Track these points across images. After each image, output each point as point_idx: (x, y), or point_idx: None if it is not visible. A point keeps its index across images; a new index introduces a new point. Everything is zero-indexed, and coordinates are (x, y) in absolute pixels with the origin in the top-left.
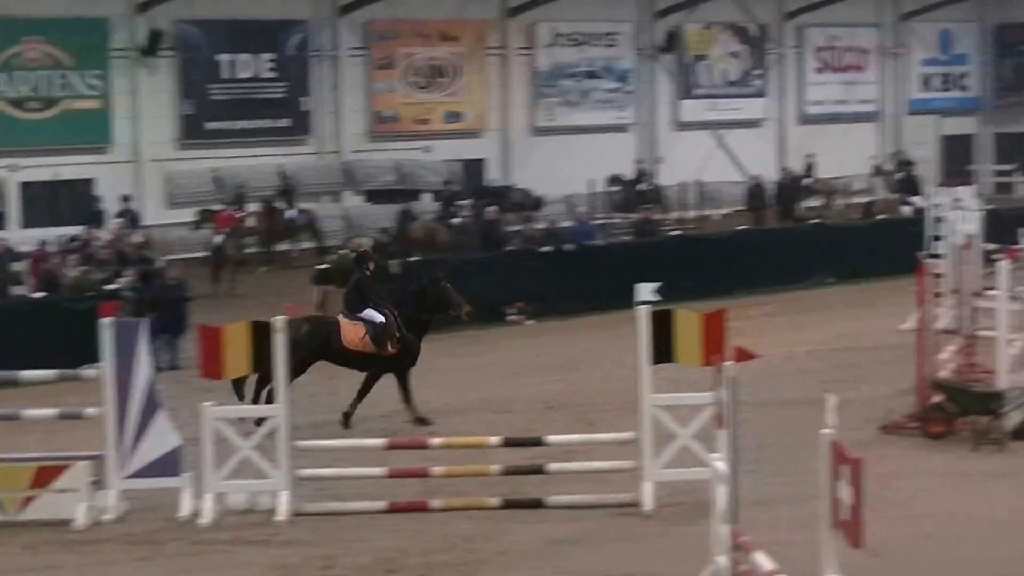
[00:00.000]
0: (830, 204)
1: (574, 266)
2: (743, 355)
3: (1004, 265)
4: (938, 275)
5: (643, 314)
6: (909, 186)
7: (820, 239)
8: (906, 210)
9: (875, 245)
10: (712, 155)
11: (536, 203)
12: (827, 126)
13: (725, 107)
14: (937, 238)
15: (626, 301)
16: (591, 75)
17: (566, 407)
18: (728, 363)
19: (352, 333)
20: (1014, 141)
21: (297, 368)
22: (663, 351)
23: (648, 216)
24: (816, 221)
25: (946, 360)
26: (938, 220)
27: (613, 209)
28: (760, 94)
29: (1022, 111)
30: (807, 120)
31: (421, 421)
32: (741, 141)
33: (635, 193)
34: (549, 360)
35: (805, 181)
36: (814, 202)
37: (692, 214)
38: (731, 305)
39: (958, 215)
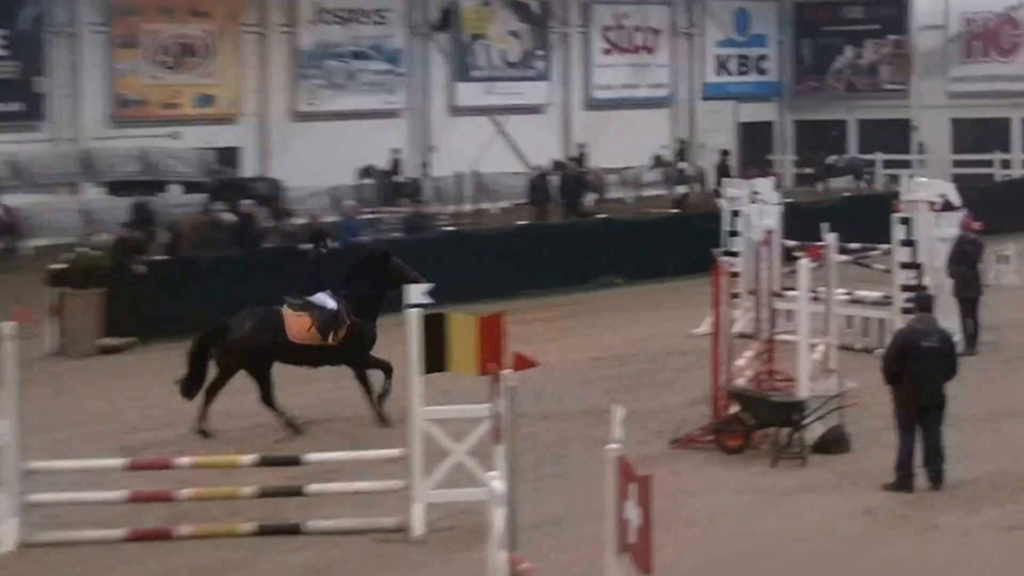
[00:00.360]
0: (603, 198)
1: (337, 266)
2: (523, 363)
3: (805, 263)
4: (734, 274)
5: (413, 318)
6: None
7: (608, 236)
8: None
9: (668, 242)
10: (491, 143)
11: (277, 195)
12: (615, 112)
13: (505, 91)
14: (733, 234)
15: (394, 304)
16: (359, 55)
17: (330, 421)
18: (506, 372)
19: (298, 325)
20: (816, 129)
21: (253, 371)
22: (435, 359)
23: (420, 210)
24: (603, 216)
25: (743, 367)
26: (735, 214)
27: (372, 204)
28: (543, 77)
29: (824, 96)
30: (594, 105)
31: (383, 421)
32: (522, 128)
33: (391, 186)
34: (313, 369)
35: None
36: (592, 195)
37: (468, 208)
38: (510, 308)
39: (756, 209)
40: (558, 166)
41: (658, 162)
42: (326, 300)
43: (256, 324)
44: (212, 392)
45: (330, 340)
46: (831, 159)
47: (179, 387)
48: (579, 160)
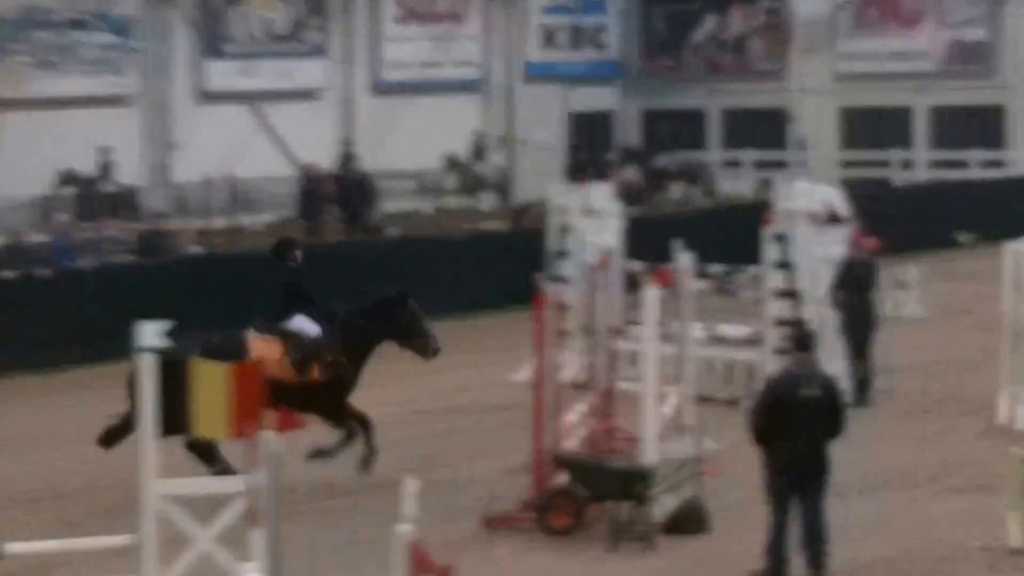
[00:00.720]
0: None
1: (51, 297)
2: (289, 422)
3: (652, 292)
4: (563, 306)
5: (145, 366)
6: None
7: (403, 258)
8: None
9: (484, 265)
10: (251, 140)
11: None
12: (412, 99)
13: (269, 72)
14: (562, 254)
15: (122, 347)
16: (77, 25)
17: (40, 501)
18: (267, 434)
19: (265, 352)
20: (666, 119)
21: None
22: (174, 418)
23: (158, 227)
24: (397, 233)
25: (574, 425)
26: (564, 230)
27: (75, 218)
28: (319, 54)
29: (679, 79)
30: (384, 90)
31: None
32: (292, 120)
33: (97, 196)
34: (10, 432)
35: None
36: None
37: (221, 223)
38: None
39: (591, 224)
40: (344, 167)
41: (451, 163)
42: (304, 325)
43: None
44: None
45: (306, 376)
46: (663, 162)
47: (103, 433)
48: (347, 162)
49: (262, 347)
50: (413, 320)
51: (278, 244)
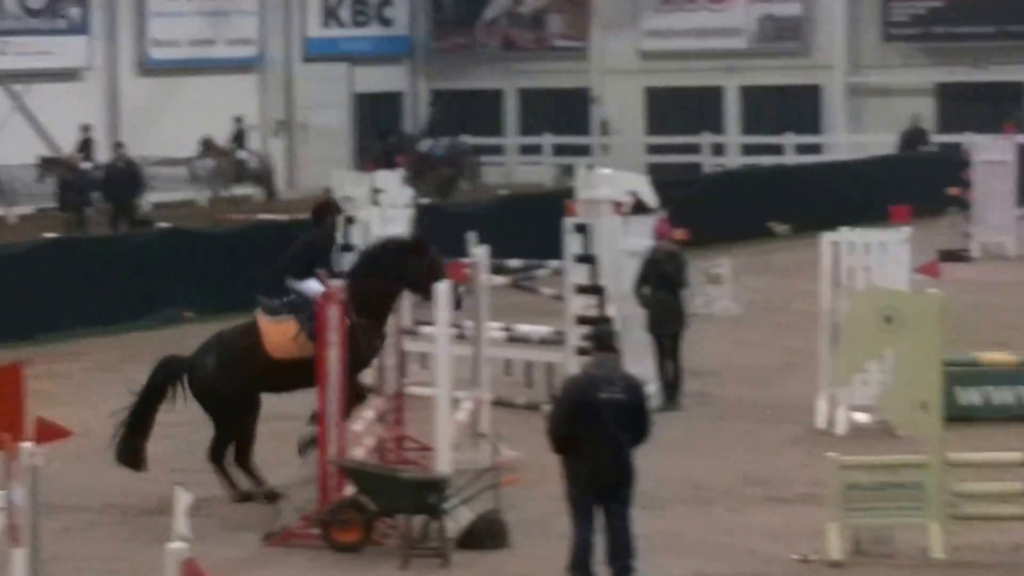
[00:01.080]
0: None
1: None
2: (49, 432)
3: (445, 287)
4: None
5: None
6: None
7: (172, 253)
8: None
9: (253, 259)
10: (4, 123)
11: None
12: (183, 79)
13: (24, 49)
14: (348, 248)
15: None
16: None
17: None
18: (27, 445)
19: (277, 335)
20: (460, 101)
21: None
22: None
23: None
24: (167, 225)
25: (361, 433)
26: (349, 221)
27: None
28: (80, 30)
29: (473, 57)
30: (152, 70)
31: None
32: (51, 102)
33: None
34: None
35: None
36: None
37: None
38: (31, 355)
39: (378, 214)
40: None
41: (207, 148)
42: (312, 288)
43: (223, 354)
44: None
45: None
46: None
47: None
48: (84, 149)
49: (275, 330)
50: (434, 268)
51: (319, 206)
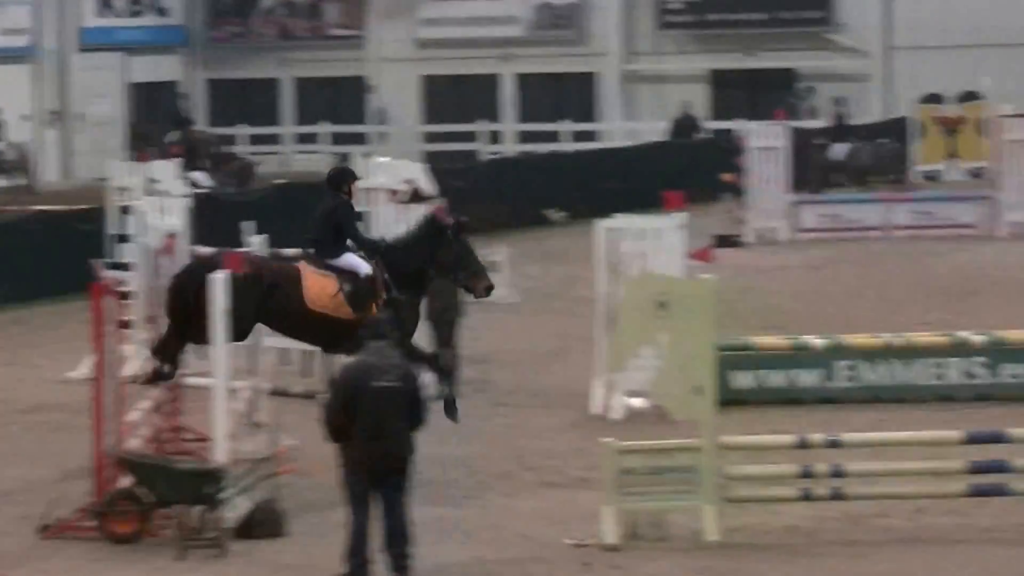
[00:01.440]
0: None
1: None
2: None
3: (219, 277)
4: (125, 295)
5: None
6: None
7: None
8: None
9: (32, 252)
10: None
11: None
12: None
13: None
14: (122, 239)
15: None
16: None
17: None
18: None
19: (320, 288)
20: (237, 91)
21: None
22: None
23: None
24: None
25: (137, 423)
26: (124, 211)
27: None
28: None
29: (249, 47)
30: None
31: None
32: None
33: None
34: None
35: None
36: None
37: None
38: None
39: (154, 203)
40: None
41: None
42: (356, 264)
43: (251, 277)
44: None
45: (364, 313)
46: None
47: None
48: None
49: (317, 281)
50: (465, 253)
51: (334, 173)
